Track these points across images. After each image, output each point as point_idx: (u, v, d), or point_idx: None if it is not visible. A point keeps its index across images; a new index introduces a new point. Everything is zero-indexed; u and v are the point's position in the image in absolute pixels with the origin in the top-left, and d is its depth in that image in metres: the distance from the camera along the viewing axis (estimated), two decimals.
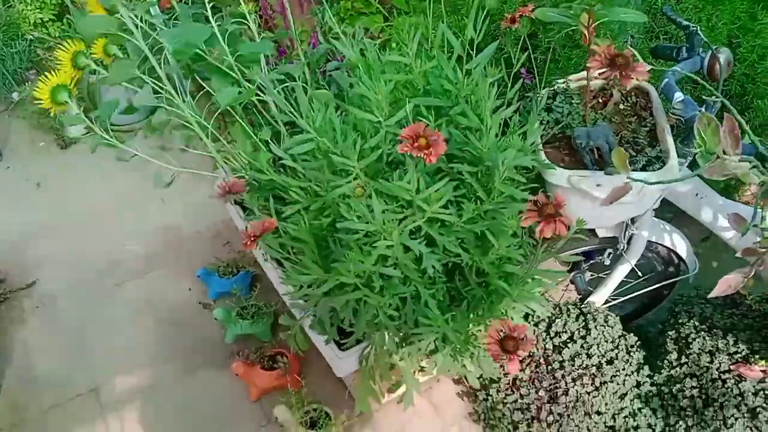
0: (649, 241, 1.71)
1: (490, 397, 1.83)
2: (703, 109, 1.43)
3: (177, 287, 2.40)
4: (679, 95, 1.42)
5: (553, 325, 1.80)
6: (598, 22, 1.28)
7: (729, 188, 1.97)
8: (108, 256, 2.53)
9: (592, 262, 1.90)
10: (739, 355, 1.64)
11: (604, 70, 1.13)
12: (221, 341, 2.18)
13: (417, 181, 1.24)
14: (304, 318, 1.59)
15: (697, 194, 1.60)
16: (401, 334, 1.54)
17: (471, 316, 1.42)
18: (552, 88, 1.59)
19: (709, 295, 1.18)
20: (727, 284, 1.19)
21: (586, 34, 1.33)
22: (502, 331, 1.06)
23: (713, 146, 1.05)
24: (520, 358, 1.05)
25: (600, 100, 1.58)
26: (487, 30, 1.86)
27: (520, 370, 1.76)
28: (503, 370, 1.78)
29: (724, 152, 1.06)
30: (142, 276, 2.46)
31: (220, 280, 2.30)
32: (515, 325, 1.06)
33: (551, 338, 1.79)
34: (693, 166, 1.50)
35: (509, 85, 1.46)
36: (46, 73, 1.46)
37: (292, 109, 1.44)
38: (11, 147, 3.13)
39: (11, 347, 2.23)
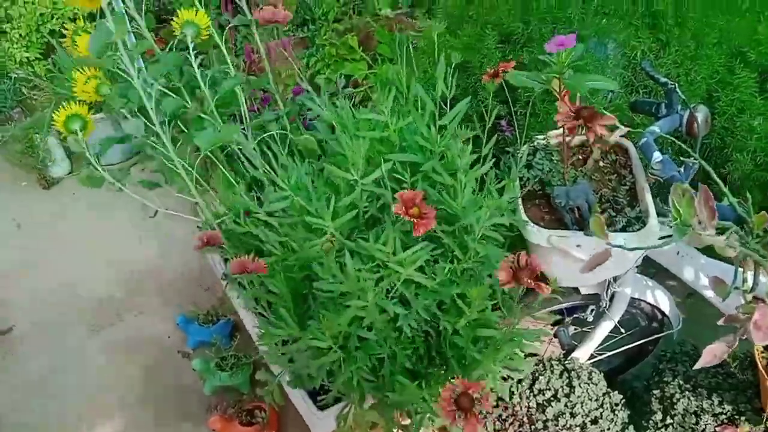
0: (632, 298, 1.69)
1: None
2: (681, 170, 1.42)
3: (156, 333, 2.36)
4: (657, 155, 1.41)
5: (536, 382, 1.76)
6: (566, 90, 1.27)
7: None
8: (87, 298, 2.48)
9: (575, 316, 1.87)
10: (725, 416, 1.61)
11: (570, 123, 1.14)
12: (199, 392, 2.13)
13: (393, 241, 1.22)
14: (281, 374, 1.56)
15: (678, 252, 1.58)
16: (379, 394, 1.50)
17: (443, 381, 1.39)
18: (532, 144, 1.58)
19: (695, 366, 1.16)
20: (711, 354, 1.16)
21: (561, 98, 1.32)
22: (456, 389, 1.04)
23: (688, 218, 1.03)
24: (479, 418, 1.02)
25: (580, 157, 1.57)
26: (465, 83, 1.87)
27: (504, 430, 1.72)
28: (485, 428, 1.74)
29: (700, 223, 1.04)
30: (120, 320, 2.42)
31: (200, 329, 2.26)
32: (469, 383, 1.04)
33: (534, 396, 1.75)
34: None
35: (485, 140, 1.45)
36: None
37: (266, 165, 1.42)
38: None
39: None
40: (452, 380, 1.37)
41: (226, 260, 1.91)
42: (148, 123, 1.49)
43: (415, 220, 1.11)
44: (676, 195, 1.05)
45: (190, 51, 1.42)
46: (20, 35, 3.25)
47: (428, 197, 1.38)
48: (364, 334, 1.32)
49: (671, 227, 1.08)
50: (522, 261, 1.14)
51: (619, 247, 1.12)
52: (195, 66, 1.43)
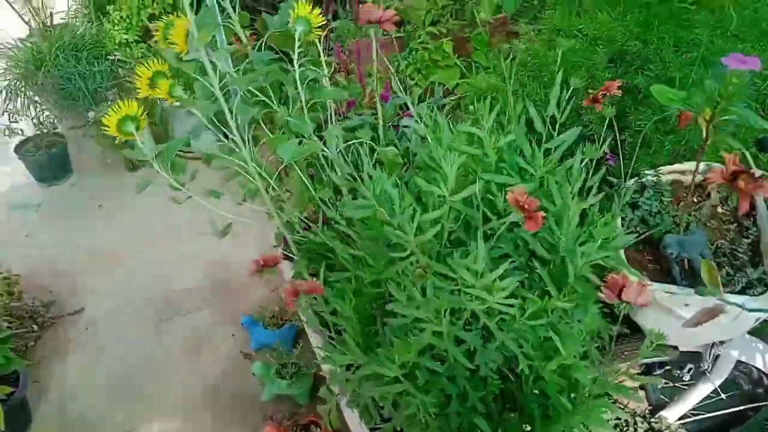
0: (738, 361, 1.50)
1: None
2: None
3: (222, 331, 2.33)
4: None
5: None
6: (720, 118, 1.10)
7: None
8: (158, 288, 2.49)
9: (666, 368, 1.69)
10: None
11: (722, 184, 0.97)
12: (257, 397, 2.08)
13: (482, 261, 1.10)
14: (341, 396, 1.47)
15: None
16: None
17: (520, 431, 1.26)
18: (640, 180, 1.42)
19: None
20: None
21: (704, 131, 1.15)
22: None
23: None
24: None
25: (695, 200, 1.39)
26: (573, 106, 1.71)
27: None
28: None
29: None
30: (189, 314, 2.40)
31: (264, 331, 2.21)
32: None
33: None
34: None
35: (591, 170, 1.31)
36: (121, 97, 1.42)
37: (353, 172, 1.33)
38: (80, 165, 3.18)
39: (49, 379, 2.19)
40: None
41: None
42: (225, 132, 1.43)
43: (527, 214, 1.01)
44: None
45: (296, 50, 1.34)
46: (121, 17, 3.31)
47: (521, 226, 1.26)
48: (434, 366, 1.21)
49: None
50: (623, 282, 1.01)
51: (736, 305, 0.96)
52: (296, 67, 1.35)
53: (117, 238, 2.74)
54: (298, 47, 1.35)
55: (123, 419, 2.06)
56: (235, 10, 1.52)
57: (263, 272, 1.23)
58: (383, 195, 1.28)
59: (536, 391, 1.28)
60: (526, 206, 1.02)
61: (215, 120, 1.45)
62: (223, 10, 1.54)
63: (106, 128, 1.36)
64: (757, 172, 1.20)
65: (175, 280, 2.52)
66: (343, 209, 1.37)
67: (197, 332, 2.33)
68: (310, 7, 1.36)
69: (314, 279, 1.47)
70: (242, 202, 1.63)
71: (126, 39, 3.38)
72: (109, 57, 3.38)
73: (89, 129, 3.27)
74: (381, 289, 1.30)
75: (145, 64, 1.37)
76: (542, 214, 1.02)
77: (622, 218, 1.36)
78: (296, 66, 1.38)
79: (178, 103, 1.44)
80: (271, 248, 1.63)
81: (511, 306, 1.16)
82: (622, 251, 1.30)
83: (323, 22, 1.37)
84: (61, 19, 3.67)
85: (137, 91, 1.41)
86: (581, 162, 1.27)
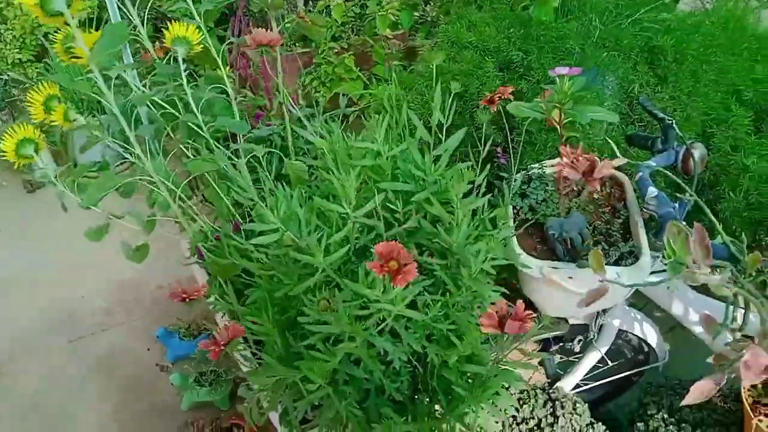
0: (619, 330, 1.69)
1: None
2: (676, 206, 1.42)
3: (136, 346, 2.31)
4: (652, 191, 1.41)
5: (520, 411, 1.75)
6: (568, 119, 1.28)
7: None
8: (65, 311, 2.43)
9: (561, 344, 1.86)
10: None
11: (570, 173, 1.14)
12: (177, 407, 2.09)
13: (382, 280, 1.19)
14: (259, 393, 1.52)
15: (668, 287, 1.58)
16: (365, 428, 1.47)
17: (429, 418, 1.37)
18: (527, 173, 1.58)
19: (682, 403, 1.15)
20: (699, 391, 1.16)
21: (558, 129, 1.33)
22: None
23: (683, 256, 1.03)
24: None
25: (575, 188, 1.57)
26: (462, 108, 1.87)
27: None
28: None
29: (694, 262, 1.04)
30: (100, 333, 2.37)
31: (180, 343, 2.22)
32: None
33: (518, 425, 1.73)
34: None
35: (478, 168, 1.44)
36: (14, 118, 1.41)
37: (254, 195, 1.38)
38: None
39: None
40: (445, 417, 1.36)
41: (209, 273, 1.88)
42: (125, 148, 1.44)
43: (393, 275, 1.08)
44: (671, 233, 1.05)
45: (181, 71, 1.39)
46: (14, 36, 3.22)
47: (421, 229, 1.36)
48: (353, 371, 1.29)
49: (665, 265, 1.08)
50: (504, 311, 1.12)
51: (615, 282, 1.11)
52: (187, 90, 1.39)
53: (18, 263, 2.65)
54: (190, 62, 1.41)
55: None
56: (143, 24, 1.57)
57: (189, 303, 1.27)
58: (289, 213, 1.34)
59: (444, 375, 1.39)
60: (395, 264, 1.06)
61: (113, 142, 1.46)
62: (129, 22, 1.57)
63: (3, 153, 1.36)
64: (621, 160, 1.39)
65: (83, 301, 2.48)
66: (249, 232, 1.38)
67: (110, 350, 2.30)
68: (186, 25, 1.42)
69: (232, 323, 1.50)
70: (150, 218, 1.64)
71: (19, 59, 3.28)
72: (1, 77, 3.28)
73: None
74: (295, 302, 1.35)
75: (37, 89, 1.36)
76: (413, 265, 1.06)
77: (513, 207, 1.52)
78: (186, 89, 1.41)
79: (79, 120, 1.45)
80: (184, 259, 1.65)
81: (416, 311, 1.27)
82: (514, 238, 1.46)
83: (199, 39, 1.41)
84: None
85: (31, 109, 1.40)
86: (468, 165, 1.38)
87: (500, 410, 1.45)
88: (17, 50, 3.25)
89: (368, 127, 1.35)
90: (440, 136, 1.42)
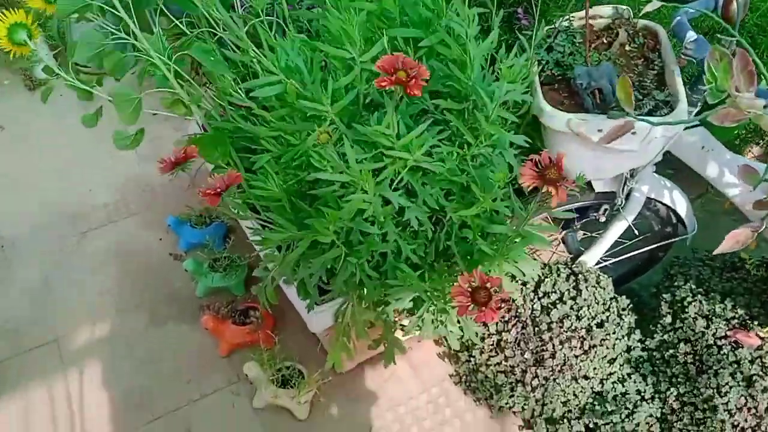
0: (648, 198, 1.60)
1: (472, 359, 1.73)
2: None
3: (147, 236, 2.27)
4: (692, 34, 1.29)
5: (541, 285, 1.70)
6: None
7: (734, 147, 1.86)
8: (74, 204, 2.38)
9: (585, 220, 1.79)
10: (737, 321, 1.55)
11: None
12: (192, 294, 2.07)
13: (397, 124, 1.10)
14: (275, 271, 1.47)
15: (703, 147, 1.48)
16: (380, 292, 1.42)
17: (447, 275, 1.31)
18: (553, 27, 1.45)
19: (715, 251, 1.09)
20: (734, 239, 1.09)
21: None
22: (472, 281, 0.95)
23: (725, 83, 0.93)
24: (497, 309, 0.94)
25: (605, 41, 1.45)
26: None
27: (506, 331, 1.66)
28: (486, 329, 1.68)
29: (737, 89, 0.94)
30: (110, 225, 2.32)
31: (192, 231, 2.17)
32: (487, 276, 0.95)
33: (539, 299, 1.69)
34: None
35: (493, 16, 1.32)
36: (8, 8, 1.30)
37: (253, 47, 1.27)
38: None
39: None
40: (457, 275, 1.30)
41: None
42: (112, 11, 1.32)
43: (405, 83, 0.99)
44: (713, 59, 0.95)
45: None
46: None
47: (434, 73, 1.26)
48: (367, 228, 1.22)
49: (702, 103, 0.98)
50: (545, 159, 1.03)
51: (646, 121, 1.02)
52: None
53: (25, 160, 2.58)
54: None
55: (48, 328, 2.01)
56: None
57: (176, 170, 1.17)
58: (290, 66, 1.24)
59: (462, 236, 1.32)
60: (403, 73, 0.99)
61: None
62: None
63: None
64: (656, 4, 1.26)
65: (92, 195, 2.42)
66: (252, 89, 1.29)
67: (122, 240, 2.27)
68: None
69: (230, 167, 1.42)
70: (154, 112, 1.55)
71: None
72: None
73: None
74: (306, 166, 1.27)
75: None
76: (423, 70, 1.00)
77: (539, 62, 1.40)
78: None
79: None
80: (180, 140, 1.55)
81: (432, 161, 1.18)
82: (539, 91, 1.35)
83: None
84: None
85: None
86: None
87: (524, 275, 1.39)
88: None
89: None
90: None
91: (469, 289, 0.95)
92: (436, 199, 1.26)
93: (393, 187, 1.20)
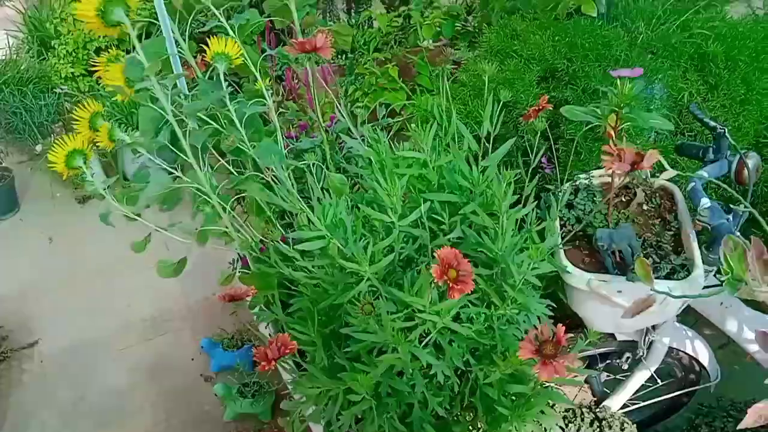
0: (670, 348, 1.63)
1: None
2: (730, 218, 1.37)
3: (181, 355, 2.34)
4: (705, 201, 1.36)
5: (566, 430, 1.70)
6: (624, 123, 1.24)
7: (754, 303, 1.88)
8: (112, 319, 2.48)
9: (608, 362, 1.81)
10: None
11: (616, 165, 1.11)
12: (220, 417, 2.10)
13: (429, 291, 1.18)
14: (303, 406, 1.52)
15: (722, 303, 1.52)
16: None
17: (470, 427, 1.34)
18: (574, 183, 1.54)
19: (738, 427, 1.10)
20: (757, 414, 1.10)
21: (612, 135, 1.29)
22: None
23: (741, 273, 0.98)
24: None
25: (623, 199, 1.53)
26: (505, 117, 1.84)
27: None
28: None
29: (753, 278, 0.99)
30: (147, 341, 2.41)
31: (224, 353, 2.24)
32: None
33: None
34: (720, 274, 1.43)
35: (527, 179, 1.42)
36: (64, 134, 1.44)
37: (301, 203, 1.38)
38: (29, 198, 3.14)
39: (7, 410, 2.16)
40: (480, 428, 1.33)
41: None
42: (178, 154, 1.45)
43: (451, 284, 1.06)
44: (728, 248, 1.00)
45: (223, 87, 1.40)
46: (67, 51, 3.32)
47: (466, 239, 1.34)
48: (397, 384, 1.27)
49: (721, 282, 1.03)
50: (545, 333, 1.07)
51: (665, 293, 1.07)
52: (229, 104, 1.40)
53: (68, 271, 2.72)
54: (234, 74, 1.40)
55: None
56: (185, 40, 1.59)
57: (235, 306, 1.29)
58: (334, 222, 1.33)
59: (486, 393, 1.36)
60: (454, 273, 1.04)
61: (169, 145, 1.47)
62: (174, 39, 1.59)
63: (53, 164, 1.38)
64: (671, 173, 1.34)
65: (129, 310, 2.53)
66: (295, 240, 1.38)
67: (155, 359, 2.34)
68: (224, 40, 1.43)
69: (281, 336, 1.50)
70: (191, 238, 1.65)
71: (72, 73, 3.39)
72: (55, 90, 3.39)
73: (37, 162, 3.25)
74: (339, 313, 1.34)
75: (81, 106, 1.37)
76: (470, 275, 1.04)
77: (560, 218, 1.48)
78: (230, 106, 1.41)
79: (125, 138, 1.47)
80: (226, 272, 1.65)
81: (460, 323, 1.24)
82: (561, 250, 1.42)
83: (239, 52, 1.41)
84: (2, 56, 3.66)
85: (77, 126, 1.43)
86: (515, 174, 1.36)
87: (545, 429, 1.41)
88: (70, 65, 3.35)
89: (414, 136, 1.34)
90: (486, 145, 1.41)
91: None
92: (462, 355, 1.30)
93: (422, 344, 1.25)
